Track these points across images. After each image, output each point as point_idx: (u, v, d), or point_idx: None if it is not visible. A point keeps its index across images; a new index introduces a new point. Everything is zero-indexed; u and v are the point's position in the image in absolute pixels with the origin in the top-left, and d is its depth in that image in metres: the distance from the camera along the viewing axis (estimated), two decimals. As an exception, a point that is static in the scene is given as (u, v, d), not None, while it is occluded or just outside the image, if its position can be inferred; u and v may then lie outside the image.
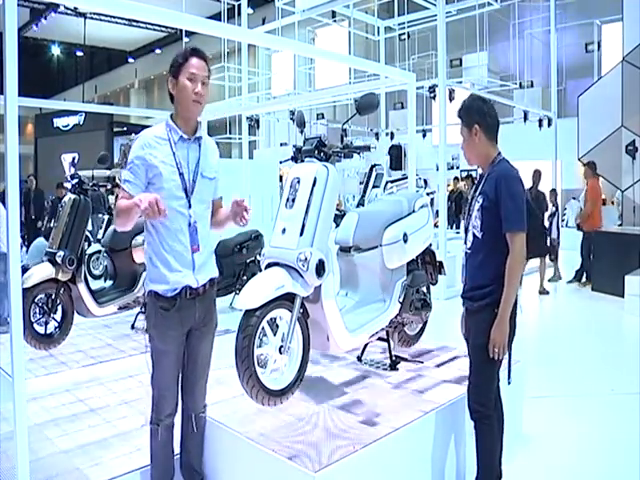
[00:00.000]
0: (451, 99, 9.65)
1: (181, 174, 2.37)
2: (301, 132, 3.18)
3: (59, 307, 4.47)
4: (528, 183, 8.77)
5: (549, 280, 8.97)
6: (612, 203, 11.37)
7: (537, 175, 8.53)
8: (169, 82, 2.40)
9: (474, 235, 2.69)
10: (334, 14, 14.36)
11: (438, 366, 3.50)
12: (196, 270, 2.42)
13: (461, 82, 13.40)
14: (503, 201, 2.53)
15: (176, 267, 2.37)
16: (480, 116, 2.63)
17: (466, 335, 2.79)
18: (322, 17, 14.01)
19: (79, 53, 30.31)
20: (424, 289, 3.57)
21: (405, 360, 3.52)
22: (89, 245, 7.00)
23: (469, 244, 2.73)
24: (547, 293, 8.40)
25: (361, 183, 11.58)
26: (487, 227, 2.61)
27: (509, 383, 2.81)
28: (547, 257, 8.46)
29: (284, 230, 2.80)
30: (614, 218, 11.16)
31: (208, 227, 2.52)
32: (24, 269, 4.42)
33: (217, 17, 13.30)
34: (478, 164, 2.76)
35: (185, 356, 2.49)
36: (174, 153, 2.38)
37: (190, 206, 2.40)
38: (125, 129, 22.44)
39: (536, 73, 15.59)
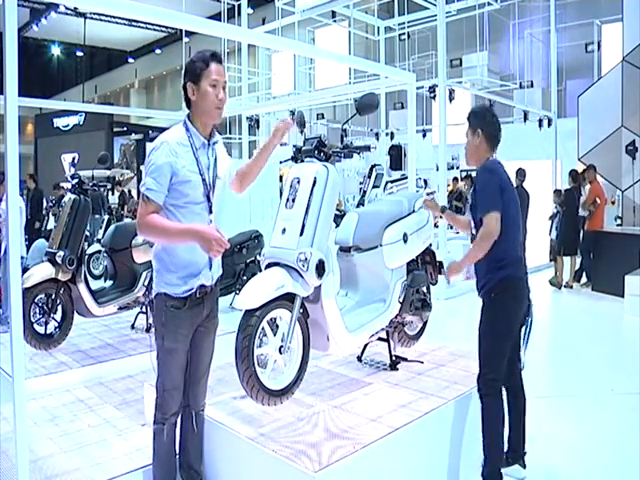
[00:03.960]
0: (451, 99, 9.63)
1: (203, 180, 2.38)
2: (301, 132, 3.18)
3: (59, 307, 4.47)
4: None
5: (549, 280, 8.97)
6: (612, 203, 11.35)
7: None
8: (188, 88, 2.37)
9: (473, 234, 2.97)
10: (334, 14, 14.34)
11: (438, 366, 3.50)
12: (212, 269, 2.46)
13: (461, 82, 13.37)
14: (476, 194, 2.86)
15: (194, 272, 2.39)
16: (485, 123, 2.91)
17: None
18: (322, 17, 14.00)
19: (79, 53, 30.32)
20: (424, 289, 3.57)
21: (405, 360, 3.52)
22: (89, 245, 7.01)
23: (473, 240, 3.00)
24: (571, 287, 8.76)
25: (361, 183, 11.56)
26: (476, 223, 2.91)
27: (521, 368, 3.03)
28: (576, 255, 8.81)
29: (284, 230, 2.80)
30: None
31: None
32: (24, 269, 4.42)
33: (217, 17, 13.29)
34: (474, 164, 3.01)
35: (189, 353, 2.49)
36: (197, 159, 2.37)
37: (211, 211, 2.41)
38: (125, 129, 22.44)
39: (536, 73, 15.55)
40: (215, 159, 2.47)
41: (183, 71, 2.41)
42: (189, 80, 2.37)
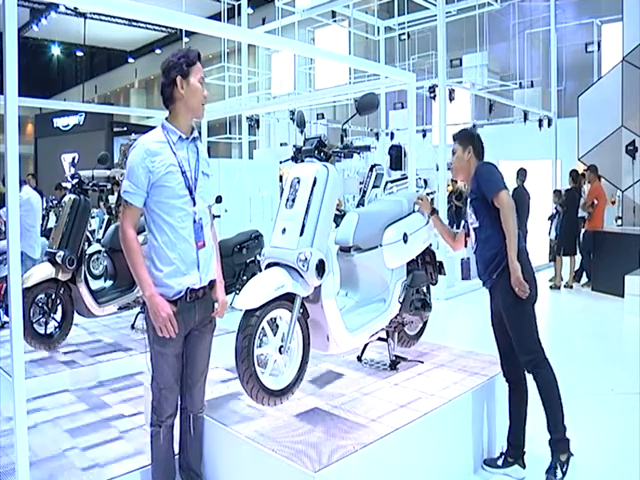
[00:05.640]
0: (451, 99, 9.64)
1: (183, 172, 2.40)
2: (301, 132, 3.19)
3: (59, 307, 4.47)
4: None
5: (549, 280, 8.97)
6: (612, 203, 11.36)
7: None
8: (178, 82, 2.37)
9: (475, 230, 3.04)
10: (334, 14, 14.35)
11: (438, 366, 3.50)
12: (200, 268, 2.44)
13: (461, 82, 13.38)
14: (481, 183, 2.96)
15: (181, 269, 2.39)
16: (475, 141, 3.12)
17: (497, 311, 3.02)
18: (322, 17, 14.00)
19: (79, 53, 30.30)
20: (424, 289, 3.57)
21: (405, 360, 3.52)
22: (89, 245, 7.01)
23: (473, 240, 3.07)
24: (571, 287, 8.77)
25: (361, 183, 11.55)
26: (480, 213, 3.00)
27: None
28: (575, 255, 8.80)
29: (284, 230, 2.80)
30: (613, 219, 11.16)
31: (209, 225, 2.54)
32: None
33: (217, 17, 13.28)
34: (463, 179, 3.20)
35: (184, 356, 2.49)
36: (175, 153, 2.40)
37: (195, 203, 2.42)
38: (125, 129, 22.42)
39: (536, 73, 15.58)
40: (197, 155, 2.49)
41: (165, 68, 2.40)
42: (178, 74, 2.37)
